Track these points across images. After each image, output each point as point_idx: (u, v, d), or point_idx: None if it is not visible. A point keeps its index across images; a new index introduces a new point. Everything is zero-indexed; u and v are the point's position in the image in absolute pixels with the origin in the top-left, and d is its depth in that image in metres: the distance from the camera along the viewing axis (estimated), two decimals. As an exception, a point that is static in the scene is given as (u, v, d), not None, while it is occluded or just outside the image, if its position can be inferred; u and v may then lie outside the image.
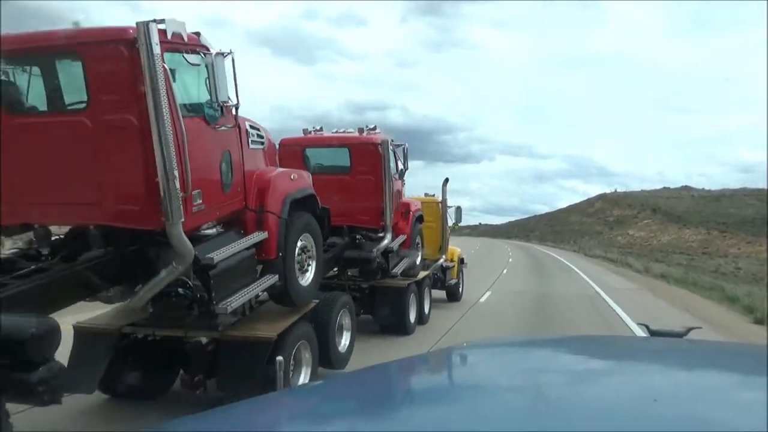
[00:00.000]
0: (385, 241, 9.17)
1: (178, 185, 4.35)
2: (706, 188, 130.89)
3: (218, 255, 4.96)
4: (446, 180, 13.12)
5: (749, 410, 1.13)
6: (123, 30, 4.31)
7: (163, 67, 4.23)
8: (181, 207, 4.43)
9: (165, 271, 4.72)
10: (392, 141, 9.42)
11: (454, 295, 14.56)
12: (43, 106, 4.73)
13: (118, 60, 4.32)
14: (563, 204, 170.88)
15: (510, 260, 34.78)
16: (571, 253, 52.76)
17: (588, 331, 10.24)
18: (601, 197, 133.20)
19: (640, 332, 6.81)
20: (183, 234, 4.52)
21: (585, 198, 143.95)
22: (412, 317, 10.26)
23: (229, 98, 5.11)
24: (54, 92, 4.70)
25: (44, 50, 4.61)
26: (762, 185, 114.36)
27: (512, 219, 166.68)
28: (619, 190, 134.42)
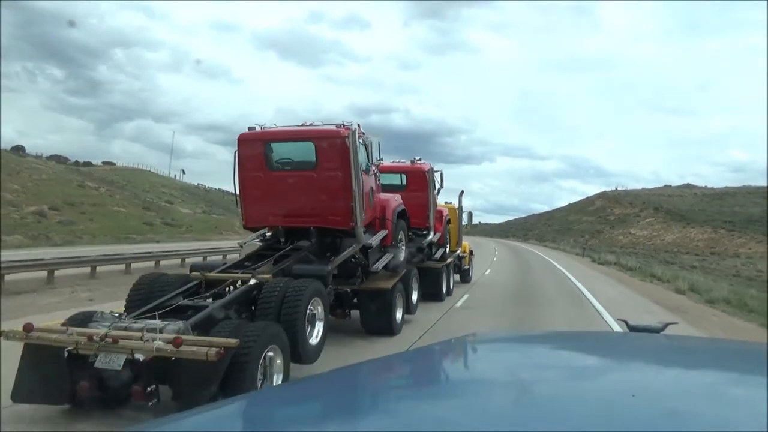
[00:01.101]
0: (429, 237, 13.07)
1: (360, 206, 8.40)
2: (709, 186, 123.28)
3: (372, 241, 9.25)
4: (462, 192, 17.53)
5: (724, 403, 1.16)
6: (339, 131, 8.36)
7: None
8: (361, 217, 8.51)
9: (349, 249, 8.70)
10: (433, 168, 13.46)
11: (465, 277, 19.49)
12: (288, 166, 8.79)
13: (336, 146, 8.33)
14: (562, 203, 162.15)
15: (487, 272, 24.22)
16: (575, 258, 42.51)
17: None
18: (602, 195, 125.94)
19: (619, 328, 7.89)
20: (361, 230, 8.58)
21: (583, 197, 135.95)
22: (444, 289, 14.82)
23: (375, 160, 9.66)
24: (295, 159, 8.78)
25: (295, 138, 8.78)
26: (760, 184, 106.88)
27: (512, 218, 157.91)
28: (619, 188, 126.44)
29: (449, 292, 15.39)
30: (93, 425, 5.05)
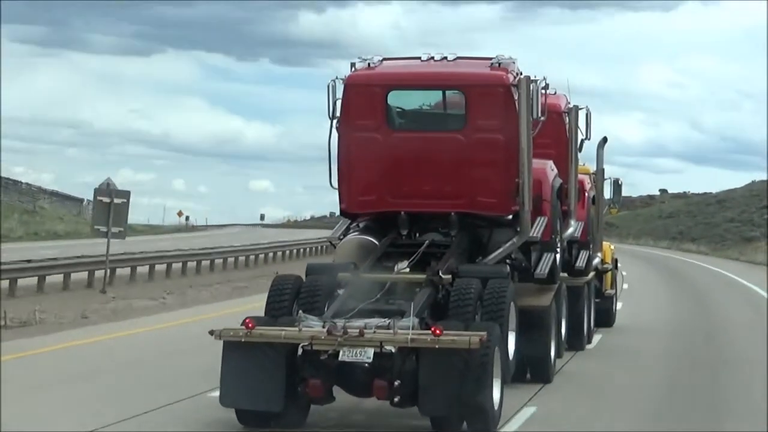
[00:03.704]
0: (570, 230, 9.76)
1: (528, 183, 6.41)
2: None
3: (536, 232, 6.98)
4: (603, 139, 10.90)
5: None
6: (501, 75, 6.40)
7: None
8: (529, 198, 6.61)
9: (509, 244, 6.65)
10: (576, 106, 9.45)
11: (606, 313, 12.07)
12: (421, 124, 6.93)
13: (498, 96, 6.51)
14: None
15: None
16: None
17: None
18: None
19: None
20: (528, 217, 6.58)
21: None
22: (586, 328, 10.59)
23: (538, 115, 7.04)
24: (432, 114, 6.90)
25: (433, 85, 6.77)
26: None
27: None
28: None
29: (590, 337, 10.51)
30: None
